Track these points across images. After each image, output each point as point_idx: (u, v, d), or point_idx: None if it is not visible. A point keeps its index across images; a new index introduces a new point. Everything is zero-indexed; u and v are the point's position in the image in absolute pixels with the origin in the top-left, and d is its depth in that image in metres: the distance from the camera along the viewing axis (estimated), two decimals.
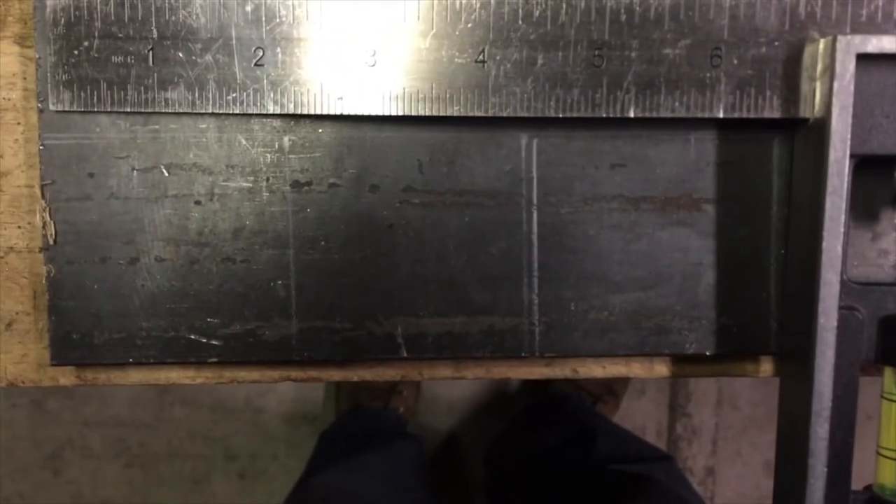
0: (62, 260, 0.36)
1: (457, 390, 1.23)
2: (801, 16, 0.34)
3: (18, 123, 0.36)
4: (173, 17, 0.34)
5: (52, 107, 0.35)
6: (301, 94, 0.34)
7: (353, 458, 0.87)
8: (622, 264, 0.37)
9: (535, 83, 0.34)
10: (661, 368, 0.39)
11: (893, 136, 0.33)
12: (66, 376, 0.38)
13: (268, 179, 0.36)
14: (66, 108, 0.35)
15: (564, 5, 0.34)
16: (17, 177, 0.37)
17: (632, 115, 0.34)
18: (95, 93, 0.34)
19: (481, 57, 0.34)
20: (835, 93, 0.32)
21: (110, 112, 0.35)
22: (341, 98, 0.34)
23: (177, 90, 0.34)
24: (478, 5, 0.34)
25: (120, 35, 0.34)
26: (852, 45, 0.32)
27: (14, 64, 0.36)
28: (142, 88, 0.34)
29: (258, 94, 0.34)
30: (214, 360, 0.37)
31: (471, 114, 0.34)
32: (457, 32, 0.34)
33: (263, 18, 0.34)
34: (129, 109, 0.35)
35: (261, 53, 0.34)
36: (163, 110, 0.35)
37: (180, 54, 0.34)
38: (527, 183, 0.36)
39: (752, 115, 0.34)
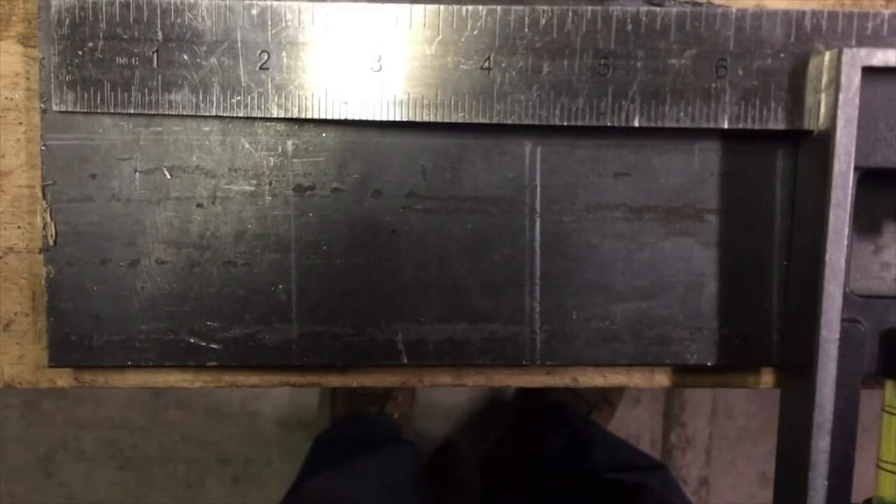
0: (62, 261, 0.36)
1: (452, 397, 1.23)
2: (807, 28, 0.34)
3: (21, 123, 0.36)
4: (179, 20, 0.34)
5: (54, 107, 0.35)
6: (305, 99, 0.34)
7: (348, 463, 0.87)
8: (625, 273, 0.37)
9: (540, 91, 0.34)
10: (662, 378, 0.39)
11: None
12: (63, 378, 0.38)
13: (270, 183, 0.36)
14: (69, 109, 0.35)
15: (571, 14, 0.34)
16: (18, 177, 0.37)
17: (636, 124, 0.34)
18: (99, 94, 0.34)
19: (487, 64, 0.34)
20: (840, 105, 0.32)
21: (113, 113, 0.35)
22: (346, 103, 0.34)
23: (181, 92, 0.34)
24: (484, 12, 0.34)
25: (125, 36, 0.34)
26: (858, 58, 0.32)
27: (17, 64, 0.36)
28: (146, 90, 0.34)
29: (262, 97, 0.34)
30: (213, 363, 0.37)
31: (475, 120, 0.34)
32: (463, 39, 0.34)
33: (269, 22, 0.34)
34: (132, 111, 0.34)
35: (266, 57, 0.34)
36: (166, 112, 0.34)
37: (185, 57, 0.34)
38: (530, 190, 0.36)
39: (756, 127, 0.34)
